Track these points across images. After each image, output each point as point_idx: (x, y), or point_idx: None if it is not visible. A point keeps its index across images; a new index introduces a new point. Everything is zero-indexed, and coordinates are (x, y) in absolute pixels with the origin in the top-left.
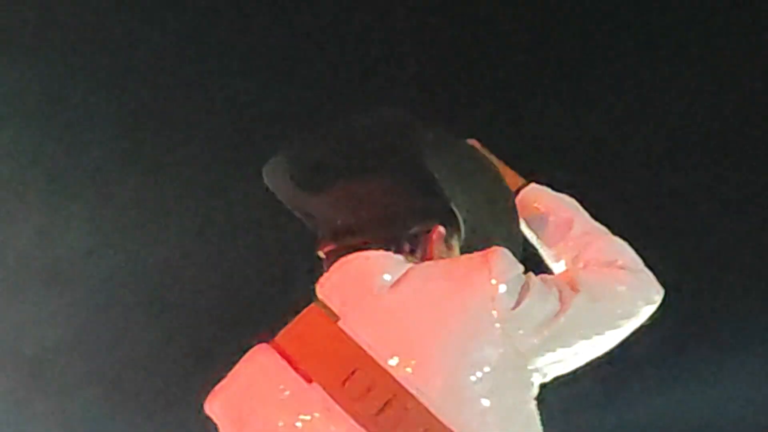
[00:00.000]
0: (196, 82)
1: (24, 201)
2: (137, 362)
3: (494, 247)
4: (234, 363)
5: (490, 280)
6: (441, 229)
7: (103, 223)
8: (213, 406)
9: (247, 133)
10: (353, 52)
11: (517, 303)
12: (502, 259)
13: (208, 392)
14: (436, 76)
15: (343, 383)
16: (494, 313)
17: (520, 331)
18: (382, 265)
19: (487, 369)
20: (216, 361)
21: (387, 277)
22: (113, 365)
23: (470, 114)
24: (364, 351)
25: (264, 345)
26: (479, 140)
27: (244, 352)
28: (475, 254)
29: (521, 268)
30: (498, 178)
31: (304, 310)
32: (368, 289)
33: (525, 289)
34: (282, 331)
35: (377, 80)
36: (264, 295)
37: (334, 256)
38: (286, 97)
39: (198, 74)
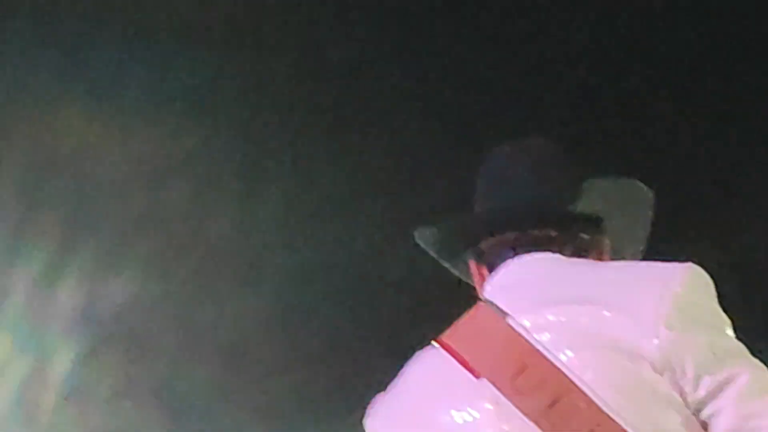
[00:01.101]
0: (394, 76)
1: (220, 194)
2: (332, 351)
3: (688, 263)
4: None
5: (672, 291)
6: (607, 240)
7: (299, 215)
8: (377, 410)
9: (443, 129)
10: None
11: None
12: (692, 274)
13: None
14: None
15: (513, 379)
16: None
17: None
18: (551, 266)
19: (656, 375)
20: (407, 350)
21: (556, 276)
22: (308, 355)
23: None
24: (534, 347)
25: (430, 345)
26: None
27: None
28: (659, 263)
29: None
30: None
31: (472, 308)
32: (538, 288)
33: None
34: (449, 329)
35: None
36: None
37: (498, 251)
38: (485, 96)
39: (398, 70)
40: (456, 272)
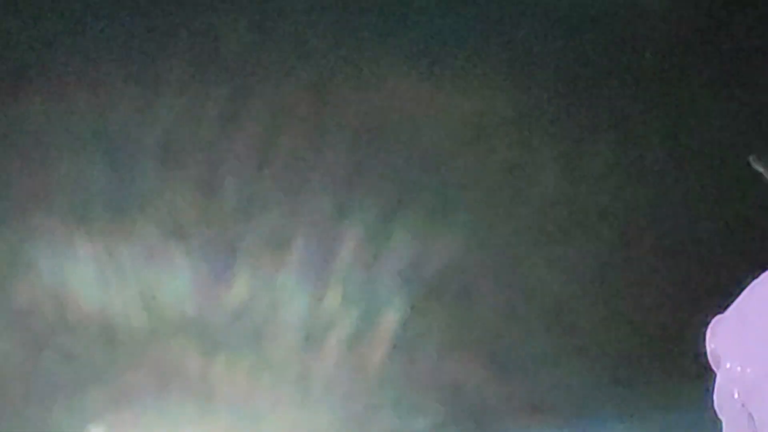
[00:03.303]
0: None
1: (544, 154)
2: (658, 310)
3: None
4: None
5: None
6: None
7: (623, 175)
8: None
9: None
10: None
11: None
12: None
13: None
14: None
15: None
16: None
17: None
18: None
19: None
20: None
21: None
22: (632, 317)
23: None
24: None
25: None
26: None
27: None
28: None
29: None
30: None
31: None
32: None
33: None
34: None
35: None
36: None
37: None
38: None
39: None
40: None
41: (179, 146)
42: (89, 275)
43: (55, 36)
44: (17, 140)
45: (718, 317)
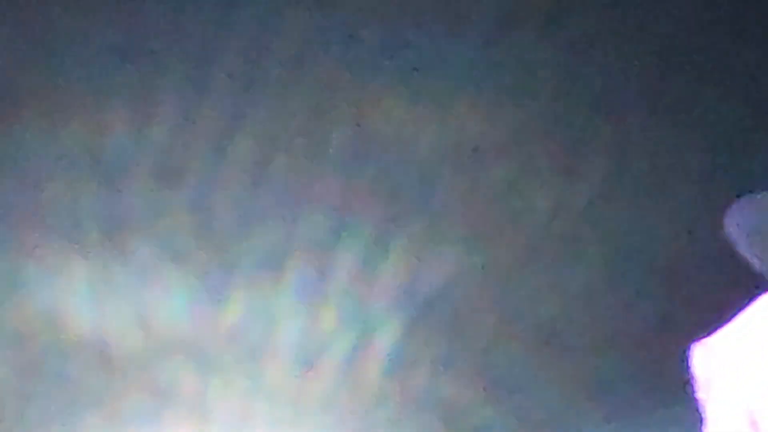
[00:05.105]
0: None
1: (538, 174)
2: (652, 330)
3: None
4: None
5: None
6: None
7: (616, 194)
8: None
9: None
10: None
11: None
12: None
13: None
14: None
15: None
16: None
17: None
18: None
19: None
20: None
21: None
22: (627, 333)
23: None
24: None
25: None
26: None
27: None
28: None
29: None
30: None
31: None
32: None
33: None
34: None
35: None
36: None
37: None
38: None
39: None
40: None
41: (174, 166)
42: (83, 297)
43: (47, 54)
44: (9, 160)
45: (704, 341)
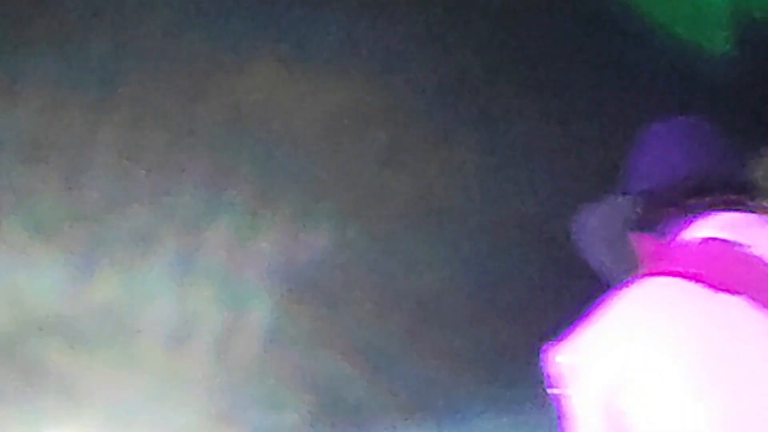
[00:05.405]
0: None
1: (411, 148)
2: (525, 304)
3: None
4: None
5: None
6: None
7: (489, 168)
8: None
9: None
10: None
11: None
12: None
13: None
14: None
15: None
16: None
17: None
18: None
19: None
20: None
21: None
22: (500, 307)
23: None
24: None
25: (653, 278)
26: None
27: None
28: None
29: None
30: None
31: (696, 243)
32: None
33: None
34: (670, 263)
35: None
36: None
37: (674, 219)
38: None
39: None
40: (604, 256)
41: (43, 143)
42: None
43: None
44: None
45: (562, 335)
